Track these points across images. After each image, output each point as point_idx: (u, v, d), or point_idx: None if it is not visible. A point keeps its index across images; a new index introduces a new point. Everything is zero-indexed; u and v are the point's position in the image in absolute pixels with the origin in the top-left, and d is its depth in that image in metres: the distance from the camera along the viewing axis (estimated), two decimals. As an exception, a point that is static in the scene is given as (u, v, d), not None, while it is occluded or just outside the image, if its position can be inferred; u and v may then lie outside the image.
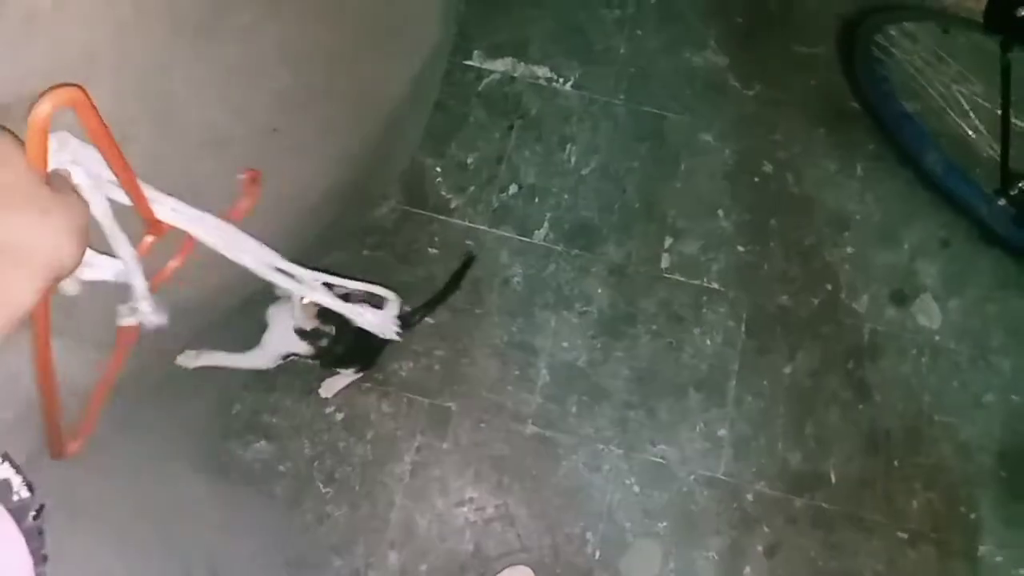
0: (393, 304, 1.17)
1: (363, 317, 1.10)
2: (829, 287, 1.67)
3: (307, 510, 1.44)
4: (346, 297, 1.09)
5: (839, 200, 1.71)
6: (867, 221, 1.70)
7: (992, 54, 1.17)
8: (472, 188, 1.71)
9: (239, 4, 0.80)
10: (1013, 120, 1.23)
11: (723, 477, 1.51)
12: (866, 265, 1.68)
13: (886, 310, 1.66)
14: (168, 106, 0.75)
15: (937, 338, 1.64)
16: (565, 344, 1.60)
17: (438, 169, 1.70)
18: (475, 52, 1.77)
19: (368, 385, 1.53)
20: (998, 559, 1.49)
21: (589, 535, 1.47)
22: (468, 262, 1.60)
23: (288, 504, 1.44)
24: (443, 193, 1.70)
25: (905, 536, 1.50)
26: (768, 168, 1.73)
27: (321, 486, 1.46)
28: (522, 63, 1.77)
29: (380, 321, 1.14)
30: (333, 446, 1.49)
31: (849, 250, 1.69)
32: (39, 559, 0.44)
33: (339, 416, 1.51)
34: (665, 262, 1.67)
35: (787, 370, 1.60)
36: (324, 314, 1.21)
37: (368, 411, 1.52)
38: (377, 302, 1.15)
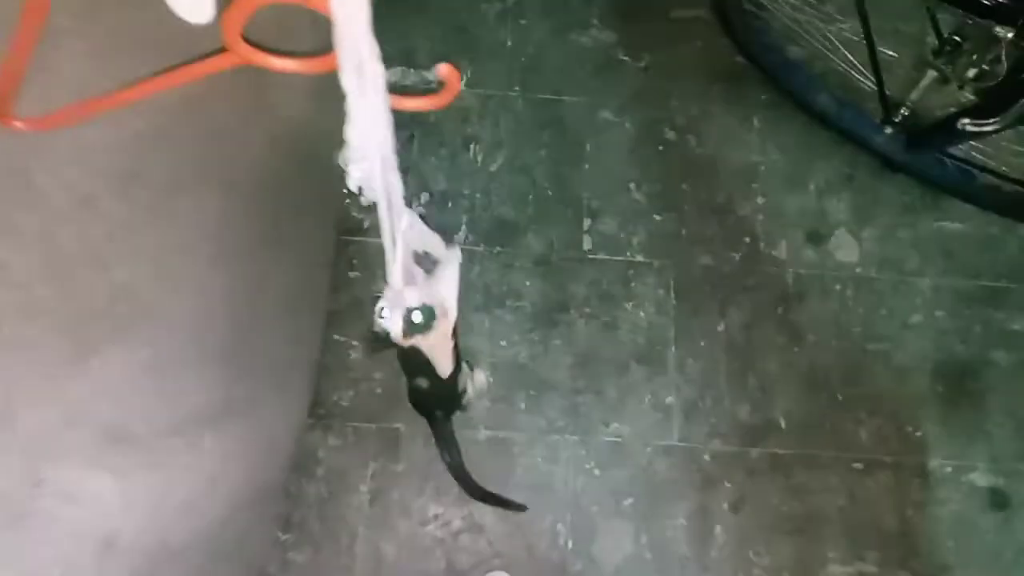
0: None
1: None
2: (747, 240, 1.71)
3: (268, 561, 1.40)
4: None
5: (742, 154, 1.75)
6: (772, 170, 1.74)
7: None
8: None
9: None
10: (880, 50, 1.28)
11: (678, 443, 1.53)
12: (779, 212, 1.72)
13: (805, 252, 1.70)
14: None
15: (858, 270, 1.69)
16: (503, 343, 1.59)
17: (344, 190, 1.67)
18: (362, 67, 1.74)
19: (310, 421, 1.50)
20: (947, 470, 1.55)
21: (559, 527, 1.47)
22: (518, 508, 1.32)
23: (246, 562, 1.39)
24: (354, 214, 1.66)
25: (860, 466, 1.54)
26: (670, 135, 1.76)
27: (280, 534, 1.42)
28: (411, 70, 1.74)
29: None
30: (284, 490, 1.45)
31: (760, 200, 1.73)
32: None
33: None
34: (587, 244, 1.68)
35: (721, 327, 1.63)
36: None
37: (315, 448, 1.48)
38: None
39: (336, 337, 1.56)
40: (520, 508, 1.26)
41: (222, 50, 0.55)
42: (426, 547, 1.43)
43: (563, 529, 1.46)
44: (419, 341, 1.11)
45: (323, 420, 1.50)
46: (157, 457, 0.84)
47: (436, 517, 1.45)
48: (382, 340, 1.15)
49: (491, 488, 1.44)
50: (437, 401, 1.34)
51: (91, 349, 0.71)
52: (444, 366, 1.06)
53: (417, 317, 1.12)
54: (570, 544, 1.45)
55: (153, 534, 0.87)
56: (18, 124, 0.65)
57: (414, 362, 1.24)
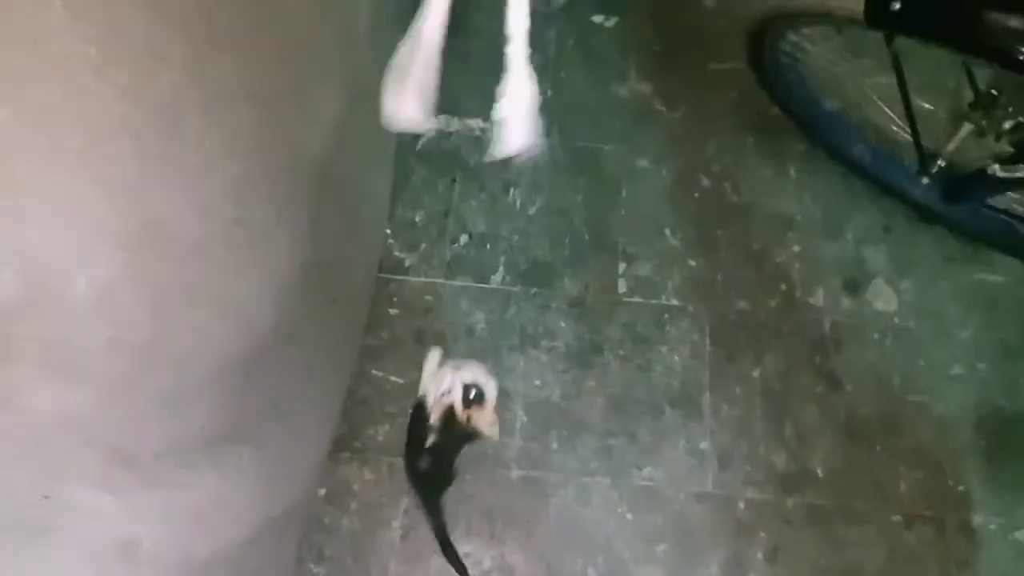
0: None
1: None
2: (783, 287, 1.71)
3: (301, 593, 1.41)
4: None
5: (778, 203, 1.77)
6: (809, 219, 1.75)
7: (887, 45, 1.24)
8: (424, 244, 1.73)
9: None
10: (917, 102, 1.30)
11: (712, 490, 1.51)
12: (815, 260, 1.73)
13: (842, 300, 1.70)
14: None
15: (896, 320, 1.68)
16: (537, 382, 1.61)
17: (388, 231, 1.73)
18: (408, 114, 1.82)
19: (346, 455, 1.52)
20: (992, 527, 1.50)
21: (590, 571, 1.45)
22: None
23: (281, 589, 1.41)
24: (396, 253, 1.72)
25: (900, 519, 1.50)
26: (706, 182, 1.79)
27: (312, 566, 1.43)
28: (455, 118, 1.82)
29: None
30: (318, 522, 1.47)
31: (796, 248, 1.74)
32: None
33: (320, 491, 1.49)
34: (622, 287, 1.70)
35: (756, 374, 1.62)
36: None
37: (349, 481, 1.51)
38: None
39: (374, 372, 1.60)
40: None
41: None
42: (456, 586, 1.43)
43: (594, 573, 1.45)
44: (476, 417, 1.28)
45: (359, 454, 1.53)
46: (166, 478, 0.87)
47: (466, 556, 1.45)
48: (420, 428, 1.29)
49: (520, 530, 1.46)
50: (434, 479, 1.43)
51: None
52: (489, 432, 1.23)
53: (472, 393, 1.30)
54: (601, 589, 1.44)
55: (171, 547, 0.89)
56: None
57: (416, 441, 1.35)
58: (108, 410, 0.74)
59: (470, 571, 1.43)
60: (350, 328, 1.60)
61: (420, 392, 1.40)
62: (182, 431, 0.90)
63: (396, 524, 1.47)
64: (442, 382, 1.35)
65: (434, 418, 1.35)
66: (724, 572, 1.44)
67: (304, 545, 1.45)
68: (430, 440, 1.34)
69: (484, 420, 1.32)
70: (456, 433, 1.33)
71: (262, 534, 1.26)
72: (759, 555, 1.46)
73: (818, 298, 1.70)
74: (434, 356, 1.45)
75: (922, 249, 1.73)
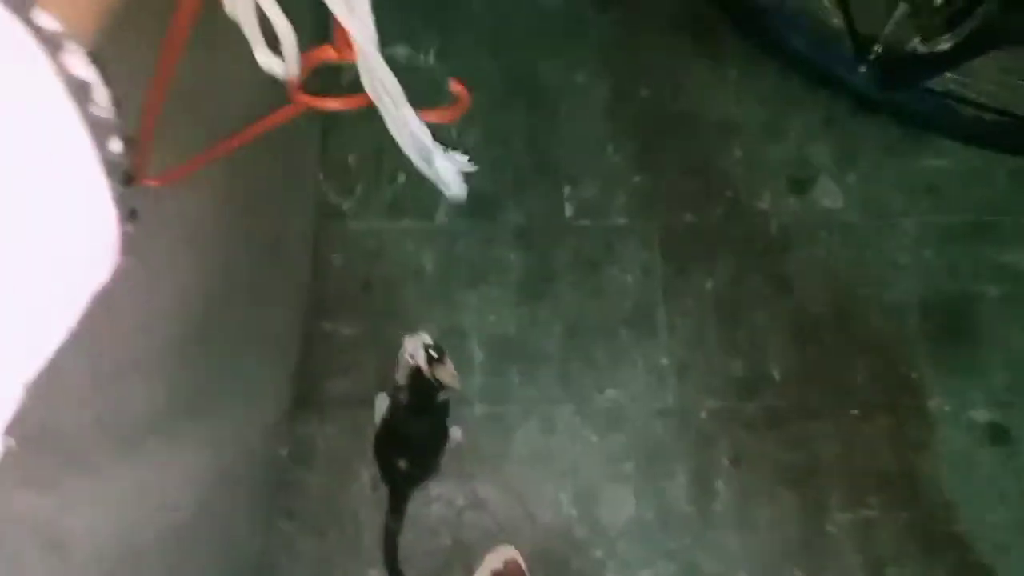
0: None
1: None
2: (729, 194, 1.69)
3: (275, 551, 1.41)
4: None
5: (719, 108, 1.72)
6: (751, 121, 1.71)
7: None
8: (360, 187, 1.66)
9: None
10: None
11: (673, 404, 1.53)
12: (760, 163, 1.70)
13: (788, 201, 1.68)
14: None
15: (843, 216, 1.67)
16: (492, 318, 1.58)
17: (320, 176, 1.65)
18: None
19: (305, 413, 1.49)
20: (946, 408, 1.55)
21: (561, 495, 1.47)
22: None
23: (254, 551, 1.40)
24: (332, 199, 1.65)
25: (857, 412, 1.54)
26: (644, 92, 1.73)
27: (283, 524, 1.43)
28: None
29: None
30: (285, 481, 1.45)
31: (739, 153, 1.70)
32: (124, 211, 0.30)
33: (283, 451, 1.47)
34: (568, 211, 1.66)
35: (708, 285, 1.62)
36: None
37: (313, 437, 1.49)
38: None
39: (324, 325, 1.55)
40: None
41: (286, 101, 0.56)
42: (431, 527, 1.44)
43: (565, 498, 1.47)
44: (439, 372, 1.24)
45: (319, 409, 1.50)
46: (100, 460, 0.83)
47: (439, 497, 1.46)
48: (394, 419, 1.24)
49: (488, 466, 1.46)
50: (413, 477, 1.41)
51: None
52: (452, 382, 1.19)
53: (434, 352, 1.26)
54: (573, 512, 1.46)
55: (109, 535, 0.85)
56: (152, 182, 0.62)
57: (396, 441, 1.33)
58: (33, 391, 0.69)
59: (445, 512, 1.44)
60: (294, 283, 1.54)
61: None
62: (121, 410, 0.86)
63: (365, 474, 1.46)
64: (405, 346, 1.33)
65: (402, 381, 1.33)
66: (692, 481, 1.48)
67: (273, 505, 1.43)
68: (403, 403, 1.31)
69: (446, 373, 1.30)
70: (427, 391, 1.30)
71: (214, 505, 1.24)
72: (724, 461, 1.49)
73: (764, 201, 1.68)
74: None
75: (865, 140, 1.71)
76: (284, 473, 1.46)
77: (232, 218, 1.15)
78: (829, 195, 1.68)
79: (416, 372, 1.29)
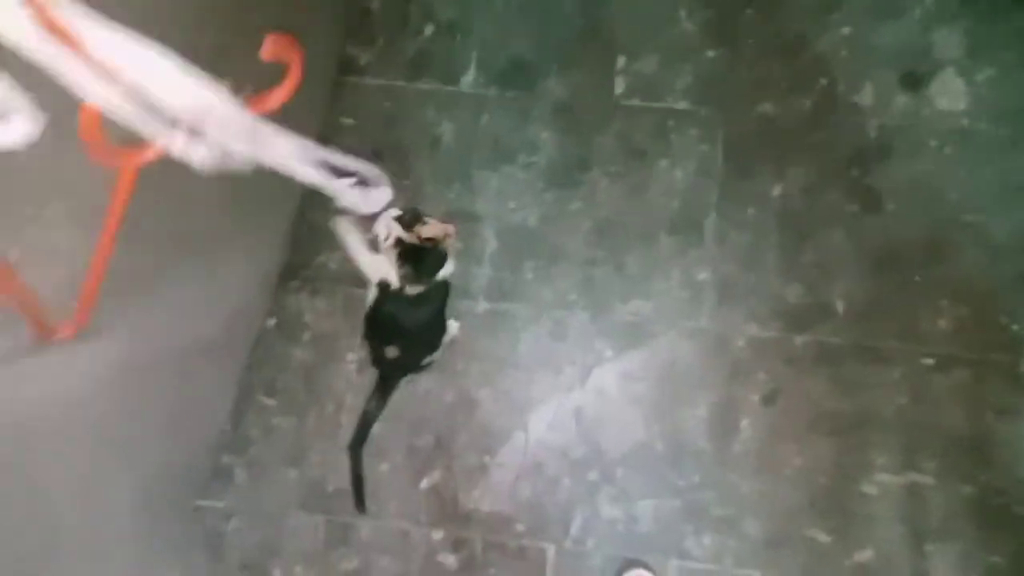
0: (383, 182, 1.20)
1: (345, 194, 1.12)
2: (823, 82, 1.38)
3: (251, 424, 1.33)
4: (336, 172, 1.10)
5: (826, -30, 1.37)
6: (864, -10, 1.36)
7: None
8: (381, 39, 1.45)
9: None
10: None
11: (707, 326, 1.31)
12: (867, 47, 1.37)
13: (896, 98, 1.36)
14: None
15: (964, 121, 1.34)
16: (512, 204, 1.38)
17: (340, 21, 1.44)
18: None
19: (296, 283, 1.37)
20: (1045, 372, 1.26)
21: (562, 409, 1.31)
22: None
23: (231, 422, 1.33)
24: (348, 49, 1.44)
25: (932, 362, 1.28)
26: (734, -53, 1.40)
27: (263, 398, 1.34)
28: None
29: (364, 199, 1.16)
30: (269, 353, 1.35)
31: (844, 31, 1.37)
32: None
33: (271, 321, 1.37)
34: (619, 87, 1.40)
35: (776, 191, 1.35)
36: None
37: (301, 311, 1.37)
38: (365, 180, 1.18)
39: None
40: (359, 509, 1.26)
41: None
42: (414, 421, 1.32)
43: (566, 412, 1.31)
44: (424, 230, 1.09)
45: (309, 283, 1.38)
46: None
47: (428, 392, 1.33)
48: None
49: (487, 366, 1.31)
50: (403, 367, 1.25)
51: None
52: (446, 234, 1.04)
53: (406, 216, 1.11)
54: (573, 427, 1.30)
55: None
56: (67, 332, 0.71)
57: (387, 327, 1.18)
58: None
59: (432, 409, 1.32)
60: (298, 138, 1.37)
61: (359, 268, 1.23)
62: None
63: (351, 357, 1.35)
64: (376, 231, 1.18)
65: (390, 256, 1.18)
66: (713, 415, 1.28)
67: (255, 376, 1.35)
68: (399, 279, 1.17)
69: (435, 230, 1.15)
70: (421, 258, 1.15)
71: (211, 347, 1.18)
72: (755, 398, 1.28)
73: (865, 96, 1.37)
74: (342, 225, 1.24)
75: (1010, 29, 1.34)
76: (269, 344, 1.36)
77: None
78: (950, 94, 1.34)
79: (401, 245, 1.14)
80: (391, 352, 1.26)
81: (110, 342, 0.86)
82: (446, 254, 1.20)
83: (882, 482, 1.24)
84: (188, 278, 1.05)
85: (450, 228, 1.19)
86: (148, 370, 1.00)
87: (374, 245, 1.19)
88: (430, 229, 1.17)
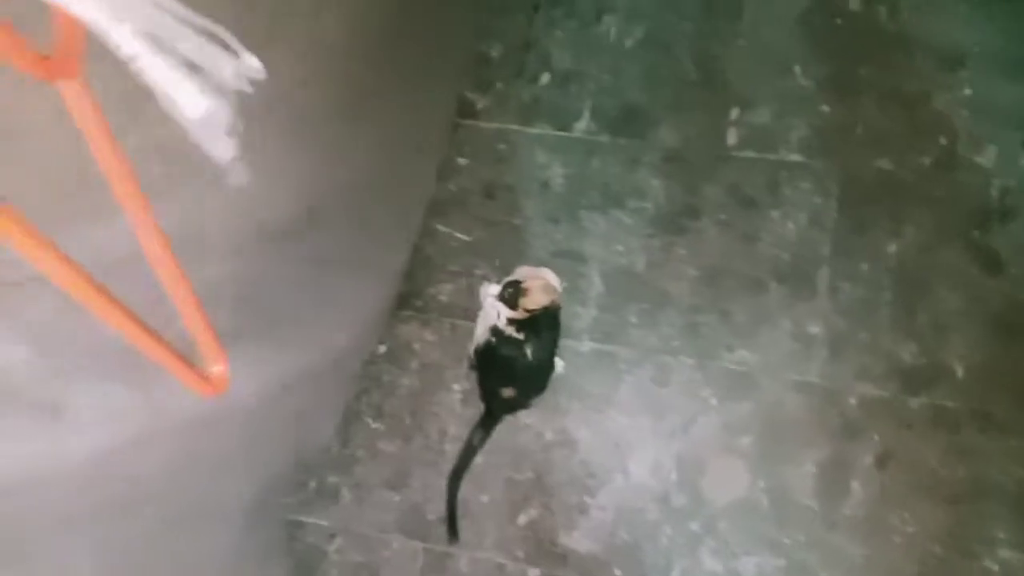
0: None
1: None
2: (943, 140, 1.36)
3: (358, 446, 1.38)
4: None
5: (947, 30, 1.37)
6: (986, 51, 1.35)
7: None
8: (498, 84, 1.51)
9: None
10: None
11: (817, 381, 1.29)
12: (990, 107, 1.35)
13: (1021, 159, 1.33)
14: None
15: (1094, 187, 1.29)
16: (619, 247, 1.41)
17: (469, 53, 1.51)
18: (486, -75, 1.54)
19: (408, 313, 1.43)
20: None
21: (664, 456, 1.31)
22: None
23: (339, 442, 1.38)
24: (467, 94, 1.51)
25: (1057, 433, 1.22)
26: (854, 4, 1.41)
27: (370, 421, 1.39)
28: None
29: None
30: (378, 379, 1.40)
31: (967, 92, 1.36)
32: None
33: (382, 348, 1.42)
34: (732, 138, 1.42)
35: (892, 248, 1.33)
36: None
37: (410, 340, 1.42)
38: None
39: (439, 227, 1.46)
40: (452, 539, 1.29)
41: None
42: (515, 455, 1.34)
43: (667, 459, 1.31)
44: (526, 302, 1.11)
45: (420, 313, 1.43)
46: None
47: (527, 427, 1.35)
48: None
49: (588, 405, 1.33)
50: (514, 406, 1.32)
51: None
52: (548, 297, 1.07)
53: (506, 293, 1.12)
54: (674, 475, 1.30)
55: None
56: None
57: (504, 370, 1.23)
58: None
59: (532, 444, 1.34)
60: (425, 177, 1.45)
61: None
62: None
63: (456, 387, 1.38)
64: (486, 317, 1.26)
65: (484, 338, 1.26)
66: (823, 474, 1.26)
67: (363, 400, 1.40)
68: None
69: (540, 299, 1.19)
70: (537, 328, 1.22)
71: (323, 375, 1.22)
72: (868, 460, 1.25)
73: (988, 156, 1.34)
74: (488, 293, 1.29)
75: None
76: (379, 371, 1.41)
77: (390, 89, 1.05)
78: (1082, 158, 1.30)
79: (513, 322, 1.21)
80: (507, 393, 1.29)
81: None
82: (558, 309, 1.24)
83: (1005, 559, 1.18)
84: (318, 313, 1.12)
85: (554, 292, 1.22)
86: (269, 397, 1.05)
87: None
88: (534, 300, 1.20)
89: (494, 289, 1.22)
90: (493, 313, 1.22)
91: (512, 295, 1.21)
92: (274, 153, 0.84)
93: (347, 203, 1.04)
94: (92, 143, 0.47)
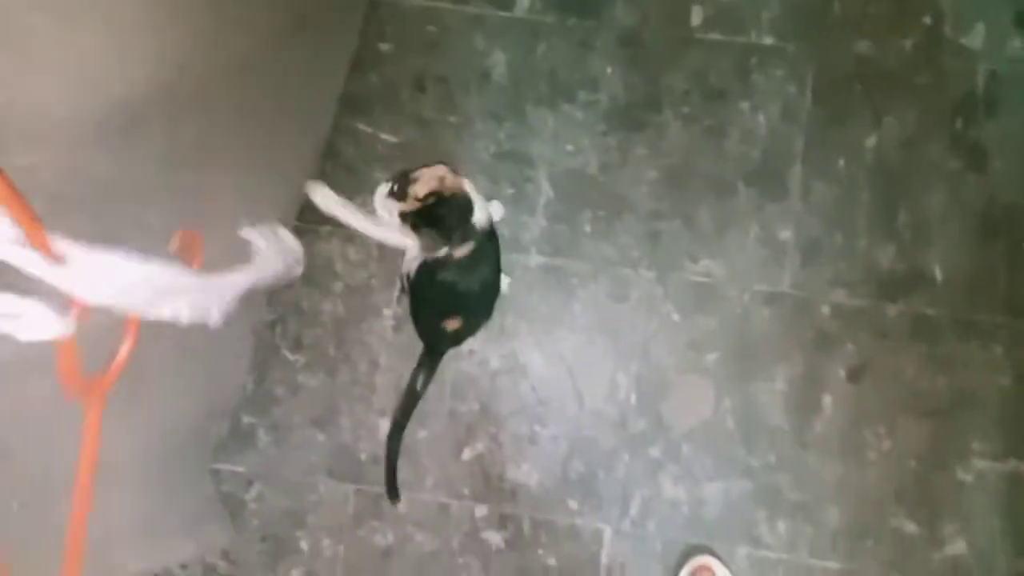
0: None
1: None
2: (927, 20, 1.22)
3: (275, 382, 1.20)
4: None
5: None
6: (985, -87, 1.19)
7: None
8: (426, -46, 1.28)
9: None
10: None
11: (789, 290, 1.17)
12: (983, -20, 1.20)
13: (1010, 41, 1.20)
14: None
15: (1086, 71, 1.18)
16: (569, 147, 1.23)
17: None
18: None
19: (327, 229, 1.23)
20: None
21: (620, 377, 1.18)
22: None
23: (253, 380, 1.20)
24: (389, -34, 1.28)
25: (1037, 339, 1.15)
26: None
27: (288, 354, 1.21)
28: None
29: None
30: (295, 305, 1.22)
31: (958, -40, 1.20)
32: None
33: (298, 268, 1.22)
34: (696, 17, 1.24)
35: (870, 142, 1.20)
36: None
37: (332, 260, 1.23)
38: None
39: (360, 127, 1.25)
40: (393, 500, 1.13)
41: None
42: (457, 385, 1.19)
43: (625, 381, 1.18)
44: (419, 193, 0.99)
45: (342, 228, 1.23)
46: None
47: (471, 353, 1.20)
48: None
49: (537, 326, 1.17)
50: (460, 338, 1.11)
51: None
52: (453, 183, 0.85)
53: (393, 186, 1.01)
54: (633, 399, 1.17)
55: None
56: None
57: (446, 299, 1.02)
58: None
59: (477, 373, 1.19)
60: (324, 65, 1.22)
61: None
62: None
63: (387, 312, 1.21)
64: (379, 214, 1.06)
65: (408, 234, 1.05)
66: (792, 389, 1.15)
67: (278, 331, 1.21)
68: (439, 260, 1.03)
69: (428, 183, 1.01)
70: (438, 219, 1.01)
71: None
72: (841, 372, 1.15)
73: (975, 37, 1.21)
74: (320, 194, 1.11)
75: None
76: (296, 295, 1.22)
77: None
78: (1078, 37, 1.18)
79: (408, 217, 1.02)
80: (453, 324, 1.11)
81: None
82: (467, 198, 1.03)
83: (979, 469, 1.11)
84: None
85: (441, 169, 1.02)
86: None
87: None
88: (423, 186, 1.01)
89: (382, 188, 1.03)
90: (385, 216, 1.04)
91: (400, 186, 1.02)
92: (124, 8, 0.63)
93: (219, 86, 0.82)
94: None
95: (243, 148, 0.93)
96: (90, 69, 0.63)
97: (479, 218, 1.03)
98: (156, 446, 0.97)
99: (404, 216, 1.02)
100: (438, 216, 1.02)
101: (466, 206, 1.03)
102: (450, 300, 1.08)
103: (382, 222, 1.05)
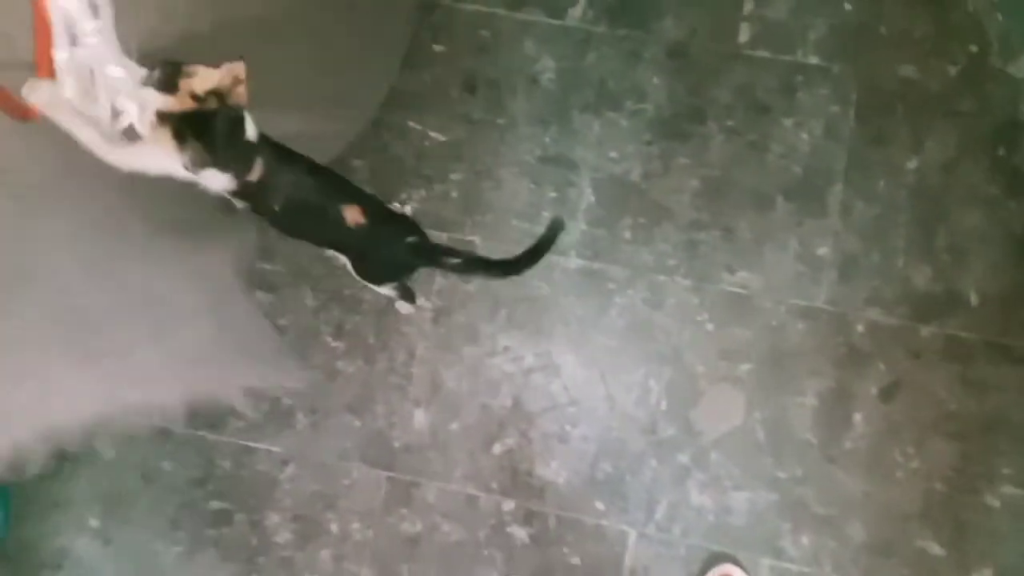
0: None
1: None
2: (973, 48, 1.23)
3: (316, 366, 1.23)
4: None
5: (995, -82, 1.22)
6: (1037, -55, 1.21)
7: None
8: (482, -40, 1.32)
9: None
10: None
11: (824, 306, 1.19)
12: (1032, 10, 1.21)
13: (1058, 71, 1.21)
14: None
15: None
16: (613, 154, 1.26)
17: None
18: None
19: (372, 221, 1.26)
20: None
21: (652, 383, 1.20)
22: (555, 229, 1.02)
23: (296, 362, 1.23)
24: (447, -29, 1.31)
25: (1070, 368, 1.15)
26: None
27: (330, 339, 1.24)
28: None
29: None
30: (338, 294, 1.25)
31: (1006, -9, 1.22)
32: None
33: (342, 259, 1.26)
34: (744, 34, 1.26)
35: (911, 164, 1.21)
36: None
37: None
38: None
39: (411, 124, 1.28)
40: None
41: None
42: (492, 380, 1.22)
43: (657, 386, 1.20)
44: (195, 87, 0.74)
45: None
46: None
47: (506, 349, 1.22)
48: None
49: (572, 328, 1.19)
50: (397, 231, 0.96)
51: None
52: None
53: (154, 75, 0.74)
54: (663, 404, 1.19)
55: None
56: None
57: (307, 212, 0.84)
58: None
59: (511, 369, 1.21)
60: (374, 60, 1.25)
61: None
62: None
63: (427, 305, 1.24)
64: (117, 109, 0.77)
65: (160, 141, 0.78)
66: (823, 404, 1.16)
67: (322, 316, 1.25)
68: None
69: (213, 77, 0.76)
70: (207, 127, 0.77)
71: None
72: (872, 390, 1.16)
73: (1020, 66, 1.22)
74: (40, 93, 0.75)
75: None
76: (338, 285, 1.25)
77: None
78: (1125, 71, 1.19)
79: (169, 120, 0.77)
80: (352, 216, 0.92)
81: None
82: (240, 110, 0.81)
83: (1009, 495, 1.12)
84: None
85: (239, 68, 0.78)
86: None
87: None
88: (204, 80, 0.77)
89: (116, 71, 0.74)
90: (128, 115, 0.76)
91: (168, 77, 0.76)
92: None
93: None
94: None
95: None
96: None
97: (251, 133, 0.84)
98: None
99: (163, 118, 0.77)
100: (211, 126, 0.79)
101: (241, 121, 0.83)
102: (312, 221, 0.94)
103: (119, 126, 0.77)
